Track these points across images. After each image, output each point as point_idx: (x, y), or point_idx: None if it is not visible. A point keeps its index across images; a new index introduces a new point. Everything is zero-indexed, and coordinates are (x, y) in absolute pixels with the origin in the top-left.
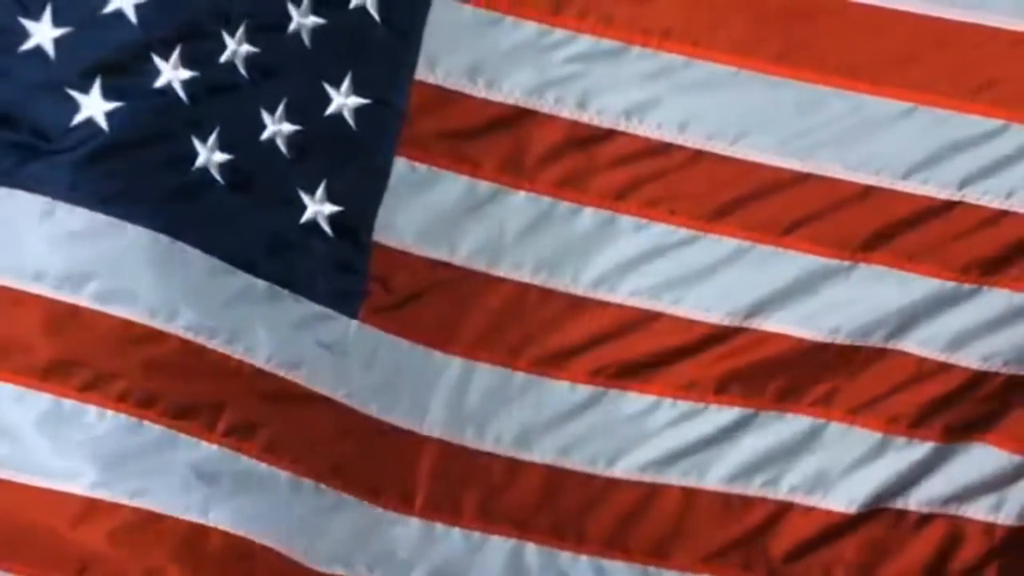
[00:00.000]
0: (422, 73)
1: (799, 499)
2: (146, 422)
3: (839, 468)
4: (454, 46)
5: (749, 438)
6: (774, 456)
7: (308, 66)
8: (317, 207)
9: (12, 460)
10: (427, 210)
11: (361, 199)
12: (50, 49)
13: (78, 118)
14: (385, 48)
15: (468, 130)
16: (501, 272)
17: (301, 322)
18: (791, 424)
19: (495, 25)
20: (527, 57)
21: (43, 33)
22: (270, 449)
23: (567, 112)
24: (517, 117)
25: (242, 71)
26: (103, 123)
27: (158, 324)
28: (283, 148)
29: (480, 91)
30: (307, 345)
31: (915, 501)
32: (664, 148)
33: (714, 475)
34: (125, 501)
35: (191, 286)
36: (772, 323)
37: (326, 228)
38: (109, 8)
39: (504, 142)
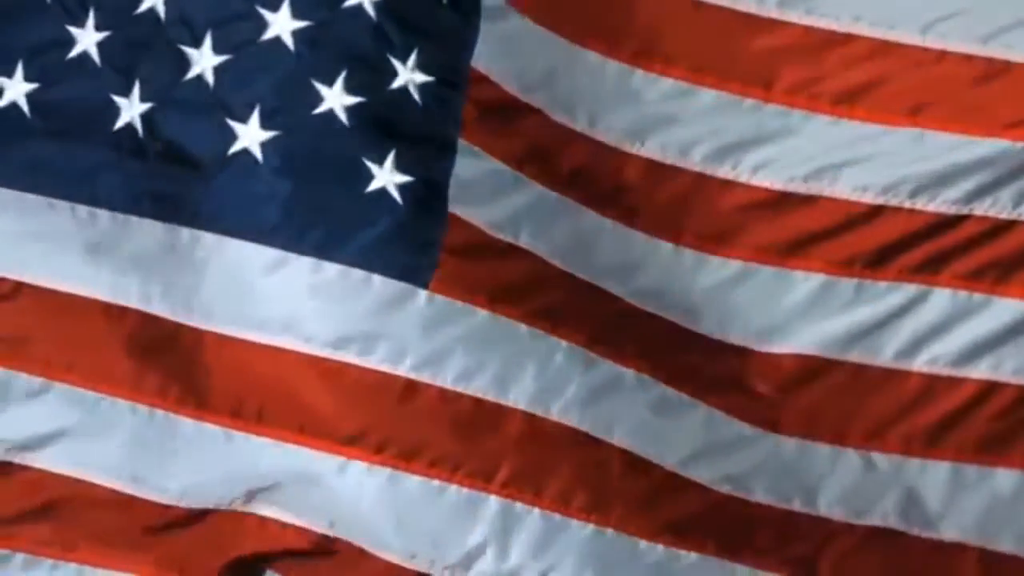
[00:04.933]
0: (475, 60)
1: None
2: None
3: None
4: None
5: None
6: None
7: (371, 39)
8: (387, 177)
9: None
10: (488, 190)
11: (432, 170)
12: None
13: None
14: (449, 28)
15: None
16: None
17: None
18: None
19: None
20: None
21: None
22: None
23: None
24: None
25: (290, 46)
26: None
27: None
28: (344, 119)
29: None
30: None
31: None
32: None
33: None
34: None
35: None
36: None
37: (397, 198)
38: None
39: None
